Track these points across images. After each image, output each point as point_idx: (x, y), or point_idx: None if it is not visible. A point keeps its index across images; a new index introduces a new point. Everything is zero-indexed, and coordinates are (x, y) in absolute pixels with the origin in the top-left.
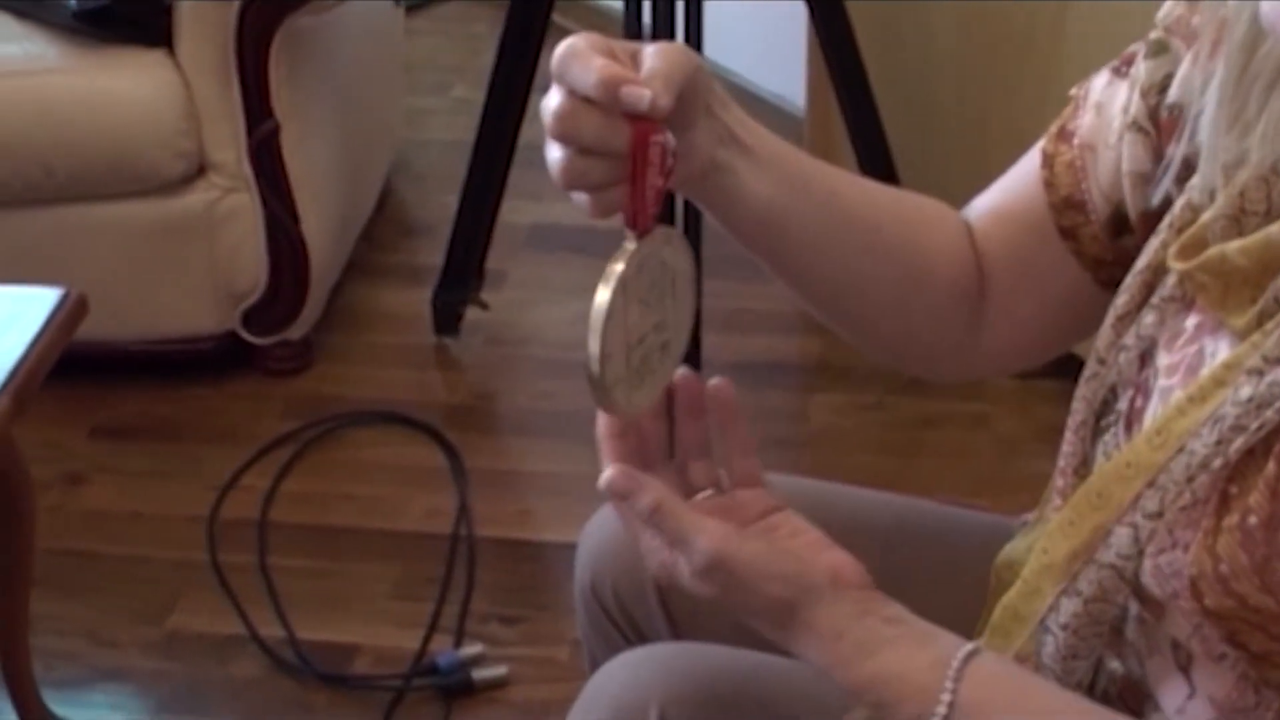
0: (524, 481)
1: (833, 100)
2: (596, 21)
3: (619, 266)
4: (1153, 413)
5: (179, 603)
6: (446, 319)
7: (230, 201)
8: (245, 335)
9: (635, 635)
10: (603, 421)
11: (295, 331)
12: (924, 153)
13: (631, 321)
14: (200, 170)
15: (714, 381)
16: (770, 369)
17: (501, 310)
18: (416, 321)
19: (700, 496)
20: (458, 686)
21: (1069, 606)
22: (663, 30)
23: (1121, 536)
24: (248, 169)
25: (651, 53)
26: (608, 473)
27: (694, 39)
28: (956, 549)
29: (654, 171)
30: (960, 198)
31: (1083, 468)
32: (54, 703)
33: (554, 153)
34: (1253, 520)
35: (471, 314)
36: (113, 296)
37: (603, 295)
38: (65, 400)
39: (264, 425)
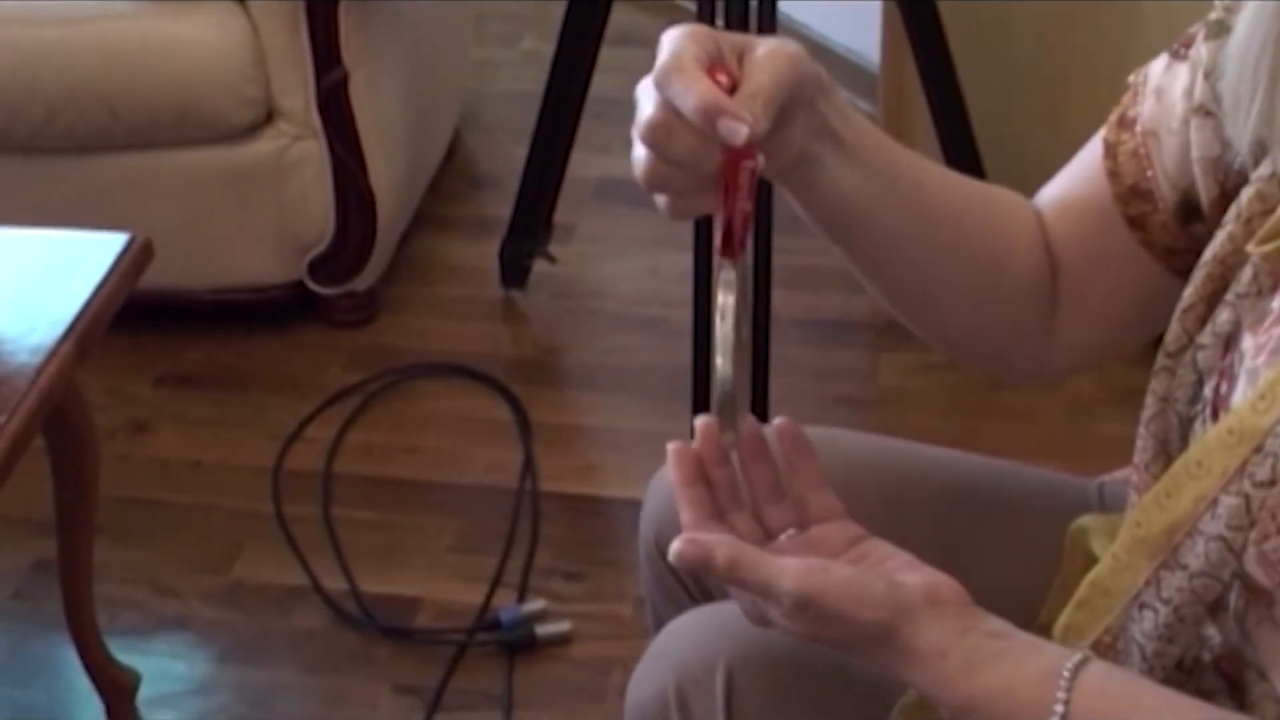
0: (589, 437)
1: (908, 57)
2: None
3: (731, 300)
4: (1241, 395)
5: (242, 553)
6: (514, 272)
7: (298, 150)
8: (312, 285)
9: (700, 593)
10: (676, 471)
11: (361, 282)
12: (1000, 112)
13: (738, 345)
14: (268, 118)
15: (778, 421)
16: (839, 327)
17: (569, 264)
18: (483, 274)
19: (782, 538)
20: (520, 642)
21: (1172, 581)
22: None
23: (1231, 507)
24: (316, 117)
25: (759, 60)
26: (675, 546)
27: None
28: (1030, 510)
29: (743, 195)
30: (1035, 158)
31: (1154, 464)
32: (117, 650)
33: (639, 153)
34: None
35: (539, 267)
36: (179, 244)
37: (724, 330)
38: (131, 348)
39: (329, 376)
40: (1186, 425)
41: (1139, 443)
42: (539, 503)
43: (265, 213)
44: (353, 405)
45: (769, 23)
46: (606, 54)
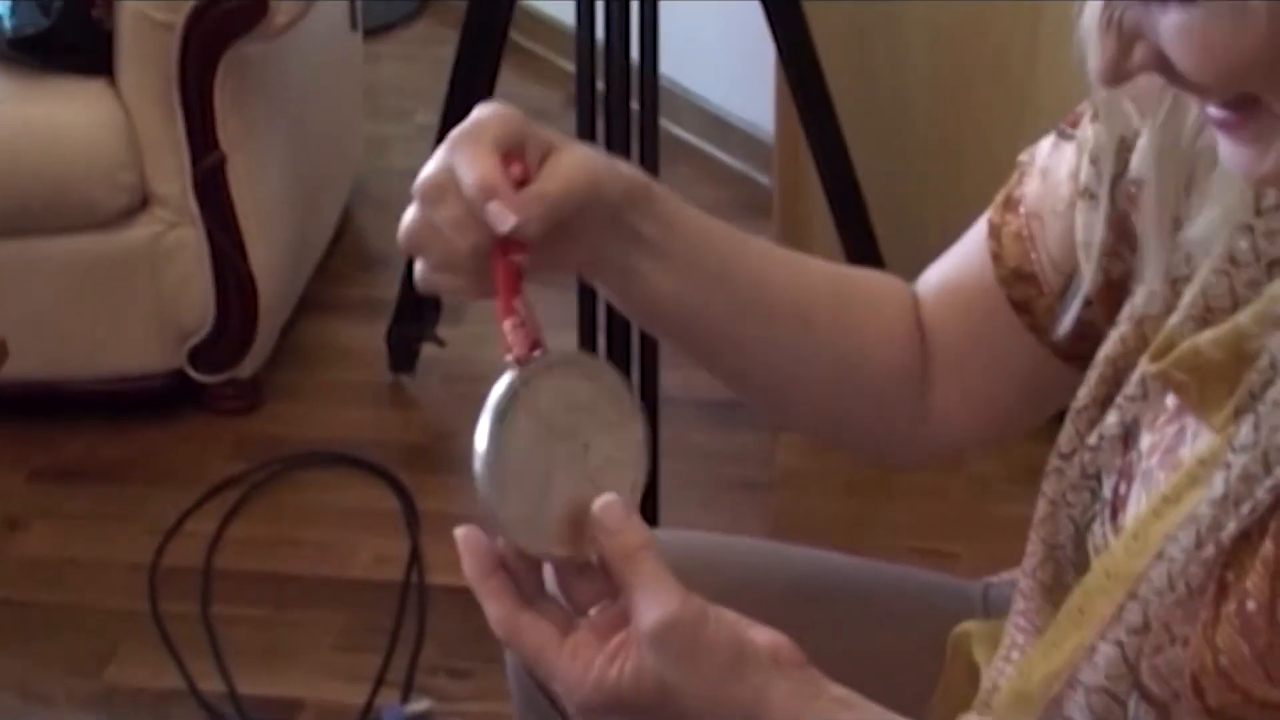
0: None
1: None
2: (554, 39)
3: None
4: (1136, 499)
5: (117, 654)
6: (402, 355)
7: (175, 236)
8: (192, 374)
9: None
10: (470, 564)
11: (244, 370)
12: (897, 180)
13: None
14: (144, 203)
15: None
16: (734, 407)
17: (459, 346)
18: (373, 358)
19: (593, 612)
20: None
21: None
22: (617, 49)
23: (1108, 655)
24: (193, 202)
25: (559, 167)
26: (608, 496)
27: (649, 57)
28: (911, 615)
29: (506, 289)
30: (934, 225)
31: (1042, 569)
32: None
33: (409, 210)
34: (1251, 605)
35: (428, 350)
36: (54, 335)
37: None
38: (4, 443)
39: (211, 467)
40: (1082, 530)
41: (1029, 546)
42: (426, 596)
43: (143, 300)
44: (235, 497)
45: (651, 88)
46: None
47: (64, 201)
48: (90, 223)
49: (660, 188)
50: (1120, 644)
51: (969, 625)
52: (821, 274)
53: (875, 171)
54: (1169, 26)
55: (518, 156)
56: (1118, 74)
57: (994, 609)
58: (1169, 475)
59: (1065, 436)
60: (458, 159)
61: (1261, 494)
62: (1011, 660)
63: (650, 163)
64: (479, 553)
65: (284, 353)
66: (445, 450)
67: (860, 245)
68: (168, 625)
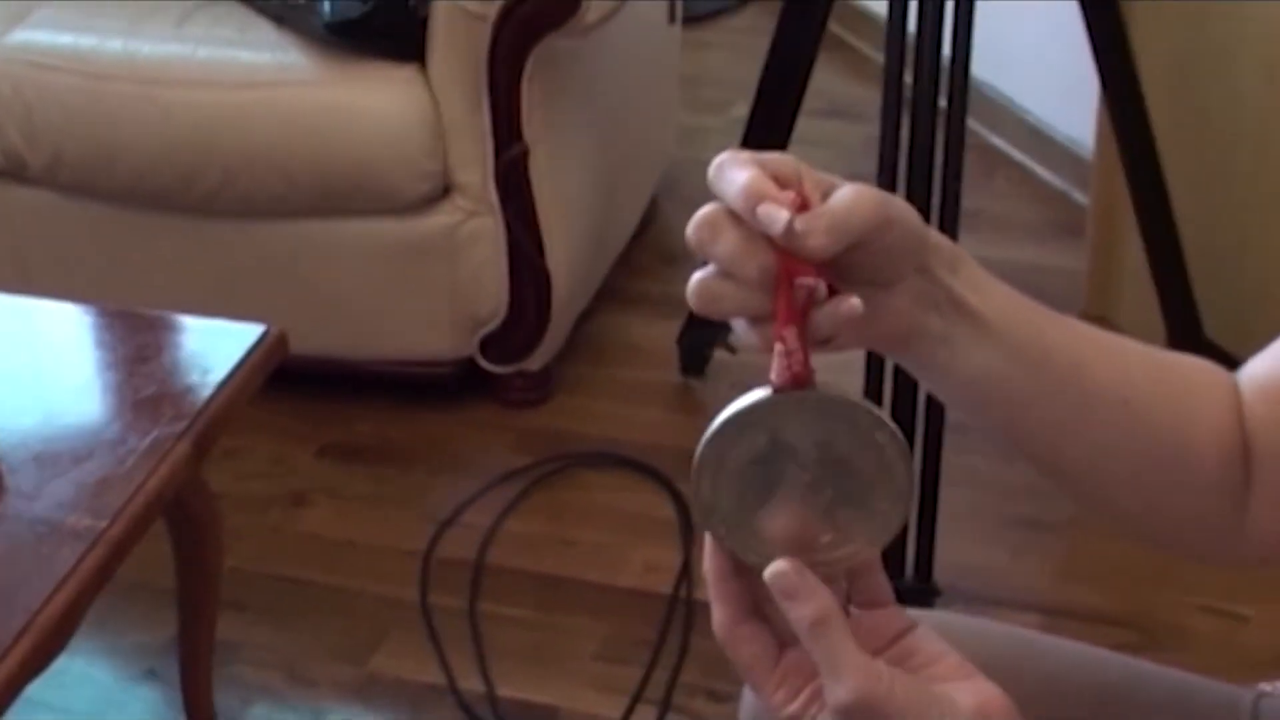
0: None
1: None
2: (875, 34)
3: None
4: None
5: (383, 643)
6: (693, 359)
7: (473, 225)
8: (483, 363)
9: None
10: (712, 562)
11: (534, 362)
12: (1217, 222)
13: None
14: (445, 192)
15: None
16: None
17: (750, 354)
18: (665, 357)
19: None
20: None
21: None
22: (928, 42)
23: None
24: (493, 193)
25: (840, 192)
26: (778, 564)
27: (961, 52)
28: None
29: (790, 311)
30: (1253, 268)
31: None
32: None
33: (698, 273)
34: None
35: (720, 356)
36: (350, 314)
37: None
38: (297, 414)
39: (494, 458)
40: None
41: None
42: (693, 611)
43: (438, 287)
44: (514, 491)
45: (960, 86)
46: (805, 126)
47: (368, 185)
48: (392, 207)
49: (966, 254)
50: None
51: None
52: (1137, 353)
53: (1194, 209)
54: None
55: (793, 184)
56: None
57: None
58: None
59: None
60: (720, 183)
61: None
62: None
63: (955, 162)
64: (725, 552)
65: (576, 345)
66: None
67: (1170, 280)
68: (435, 618)
